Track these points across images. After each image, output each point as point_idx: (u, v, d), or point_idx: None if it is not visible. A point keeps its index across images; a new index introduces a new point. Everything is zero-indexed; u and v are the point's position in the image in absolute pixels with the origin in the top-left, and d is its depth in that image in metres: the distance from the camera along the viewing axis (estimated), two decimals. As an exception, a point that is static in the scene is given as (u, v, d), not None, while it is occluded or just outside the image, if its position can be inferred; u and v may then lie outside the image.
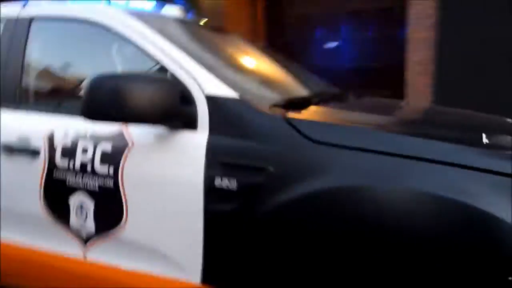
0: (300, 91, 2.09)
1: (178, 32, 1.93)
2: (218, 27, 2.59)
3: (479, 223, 1.14)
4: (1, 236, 1.86)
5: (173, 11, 2.37)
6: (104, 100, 1.42)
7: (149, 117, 1.47)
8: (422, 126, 1.68)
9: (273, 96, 1.76)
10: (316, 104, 1.77)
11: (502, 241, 1.13)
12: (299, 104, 1.68)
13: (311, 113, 1.59)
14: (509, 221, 1.12)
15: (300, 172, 1.34)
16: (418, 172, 1.24)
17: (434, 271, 1.18)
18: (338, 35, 7.27)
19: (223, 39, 2.35)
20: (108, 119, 1.47)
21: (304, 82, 2.22)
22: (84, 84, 1.42)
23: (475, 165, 1.21)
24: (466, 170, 1.21)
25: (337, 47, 7.26)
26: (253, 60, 2.30)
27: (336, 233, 1.28)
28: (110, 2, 2.20)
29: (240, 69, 2.01)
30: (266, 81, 1.99)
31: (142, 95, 1.43)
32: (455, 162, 1.22)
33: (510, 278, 1.12)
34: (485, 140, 1.39)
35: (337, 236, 1.28)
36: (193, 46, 1.83)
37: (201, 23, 2.40)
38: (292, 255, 1.34)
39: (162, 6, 2.35)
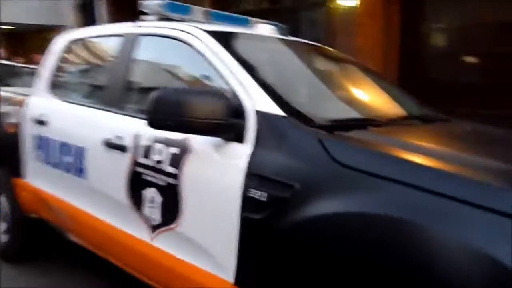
0: (372, 112, 2.07)
1: (252, 50, 2.08)
2: (307, 43, 2.65)
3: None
4: (78, 206, 2.26)
5: (265, 29, 2.53)
6: (167, 113, 1.64)
7: (204, 129, 1.65)
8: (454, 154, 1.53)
9: (329, 117, 1.78)
10: (377, 126, 1.75)
11: None
12: (356, 125, 1.69)
13: (357, 135, 1.58)
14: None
15: (320, 192, 1.38)
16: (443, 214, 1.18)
17: None
18: (474, 49, 6.64)
19: (307, 56, 2.43)
20: (170, 130, 1.69)
21: (383, 103, 2.18)
22: (149, 97, 1.65)
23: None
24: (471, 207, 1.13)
25: (474, 61, 6.64)
26: (332, 79, 2.34)
27: (336, 256, 1.30)
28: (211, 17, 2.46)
29: (305, 89, 2.08)
30: (332, 101, 2.03)
31: (200, 109, 1.61)
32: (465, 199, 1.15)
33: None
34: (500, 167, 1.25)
35: (336, 259, 1.30)
36: (258, 64, 1.95)
37: (289, 39, 2.49)
38: (301, 269, 1.40)
39: (238, 20, 2.54)
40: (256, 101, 1.68)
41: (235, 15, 2.76)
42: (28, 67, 7.32)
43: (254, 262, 1.56)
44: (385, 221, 1.25)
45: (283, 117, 1.61)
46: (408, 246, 1.20)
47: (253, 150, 1.61)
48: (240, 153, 1.64)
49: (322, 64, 2.46)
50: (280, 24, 2.97)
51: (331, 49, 2.87)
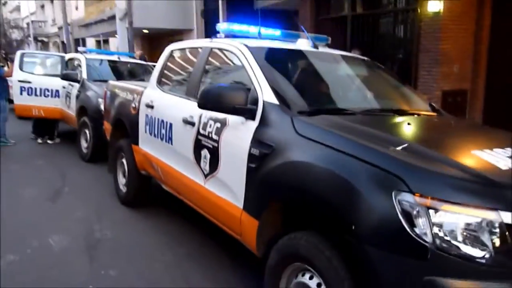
0: (348, 104, 2.88)
1: (273, 60, 2.99)
2: (321, 52, 3.43)
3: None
4: (167, 163, 3.41)
5: (302, 43, 3.43)
6: (210, 99, 2.67)
7: (233, 110, 2.65)
8: (378, 133, 2.26)
9: (312, 106, 2.65)
10: (341, 113, 2.59)
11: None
12: (325, 111, 2.55)
13: (317, 118, 2.44)
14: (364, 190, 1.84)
15: (285, 150, 2.30)
16: (332, 157, 2.03)
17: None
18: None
19: (326, 62, 3.28)
20: (212, 109, 2.72)
21: (369, 98, 2.97)
22: (202, 89, 2.70)
23: (366, 158, 1.93)
24: (359, 161, 1.94)
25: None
26: (331, 79, 3.17)
27: (287, 182, 2.23)
28: (260, 35, 3.45)
29: (304, 86, 2.95)
30: (321, 95, 2.89)
31: (229, 98, 2.61)
32: (358, 156, 1.96)
33: (353, 227, 1.84)
34: (399, 147, 2.00)
35: (287, 183, 2.24)
36: (274, 70, 2.88)
37: (308, 50, 3.35)
38: (272, 191, 2.34)
39: (290, 36, 3.46)
40: (264, 94, 2.63)
41: (285, 31, 3.68)
42: (151, 64, 9.00)
43: (250, 193, 2.52)
44: (314, 166, 2.12)
45: (276, 104, 2.53)
46: (323, 178, 2.05)
47: (257, 125, 2.57)
48: (252, 127, 2.61)
49: (328, 67, 3.29)
50: (324, 37, 3.83)
51: (345, 53, 3.65)
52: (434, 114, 3.13)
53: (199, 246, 3.74)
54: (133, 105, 4.37)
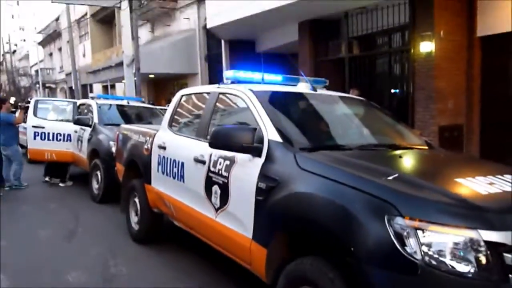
0: (345, 140, 3.17)
1: (275, 102, 3.31)
2: (319, 94, 3.75)
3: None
4: (179, 199, 3.66)
5: (302, 86, 3.76)
6: (220, 138, 2.96)
7: (241, 149, 2.93)
8: (372, 166, 2.52)
9: (312, 143, 2.93)
10: (339, 149, 2.87)
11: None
12: (324, 147, 2.83)
13: (317, 154, 2.71)
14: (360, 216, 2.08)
15: (289, 183, 2.56)
16: (331, 188, 2.29)
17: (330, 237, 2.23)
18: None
19: (324, 103, 3.59)
20: (222, 148, 3.00)
21: (364, 135, 3.26)
22: (213, 129, 3.00)
23: (361, 188, 2.18)
24: (355, 190, 2.20)
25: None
26: (328, 118, 3.47)
27: (293, 212, 2.47)
28: (263, 80, 3.78)
29: (304, 125, 3.24)
30: (320, 133, 3.17)
31: (237, 138, 2.90)
32: (355, 186, 2.22)
33: (352, 249, 2.07)
34: (390, 177, 2.26)
35: (293, 214, 2.47)
36: (277, 112, 3.18)
37: (308, 92, 3.66)
38: (278, 221, 2.58)
39: (290, 80, 3.79)
40: (269, 133, 2.91)
41: (286, 76, 4.02)
42: (164, 109, 9.39)
43: (258, 224, 2.76)
44: (315, 196, 2.38)
45: (280, 142, 2.82)
46: (324, 207, 2.30)
47: (264, 161, 2.84)
48: (258, 163, 2.87)
49: (326, 107, 3.60)
50: (323, 80, 4.17)
51: (342, 94, 3.97)
52: (426, 148, 3.40)
53: (210, 280, 3.92)
54: (146, 146, 4.66)
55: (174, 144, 4.11)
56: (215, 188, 3.26)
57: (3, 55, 44.02)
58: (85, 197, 7.45)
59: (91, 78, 21.77)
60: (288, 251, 2.66)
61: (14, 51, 49.44)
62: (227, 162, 3.16)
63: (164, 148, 4.23)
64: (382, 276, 1.97)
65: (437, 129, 7.81)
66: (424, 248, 1.92)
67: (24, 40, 54.17)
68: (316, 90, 3.73)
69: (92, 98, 8.89)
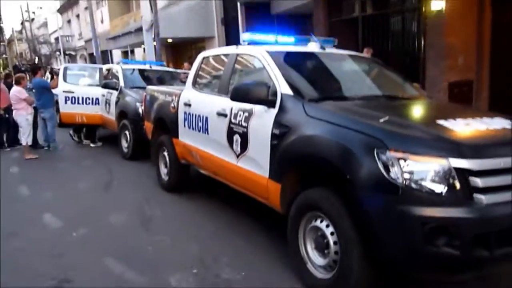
0: (349, 92, 3.61)
1: (288, 60, 3.75)
2: (329, 52, 4.17)
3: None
4: (205, 149, 4.19)
5: (312, 46, 4.18)
6: (240, 93, 3.44)
7: (258, 101, 3.41)
8: (368, 112, 2.98)
9: (319, 94, 3.39)
10: (343, 99, 3.33)
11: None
12: (329, 98, 3.29)
13: (323, 104, 3.17)
14: (355, 151, 2.57)
15: (298, 128, 3.04)
16: (333, 130, 2.77)
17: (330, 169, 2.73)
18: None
19: (332, 60, 4.02)
20: (242, 101, 3.48)
21: (367, 87, 3.70)
22: (234, 85, 3.48)
23: (357, 129, 2.66)
24: (352, 131, 2.67)
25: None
26: (337, 72, 3.90)
27: (301, 150, 2.97)
28: (276, 41, 4.21)
29: (313, 80, 3.69)
30: (326, 86, 3.62)
31: (255, 92, 3.38)
32: (351, 127, 2.70)
33: (348, 176, 2.57)
34: (383, 120, 2.72)
35: (301, 152, 2.97)
36: (289, 69, 3.62)
37: (317, 51, 4.09)
38: (288, 160, 3.09)
39: (302, 40, 4.20)
40: (281, 88, 3.38)
41: (298, 37, 4.43)
42: (182, 72, 9.86)
43: (273, 164, 3.27)
44: (320, 137, 2.87)
45: (291, 95, 3.28)
46: (327, 146, 2.79)
47: (277, 111, 3.32)
48: (273, 113, 3.35)
49: (333, 64, 4.02)
50: (331, 39, 4.56)
51: (350, 52, 4.38)
52: (422, 99, 3.82)
53: (234, 218, 4.51)
54: (172, 105, 5.18)
55: (198, 101, 4.61)
56: (236, 137, 3.77)
57: (22, 23, 44.62)
58: (115, 155, 8.09)
59: (111, 44, 22.22)
60: (298, 186, 3.18)
61: (33, 19, 49.96)
62: (246, 114, 3.65)
63: (189, 105, 4.74)
64: (372, 197, 2.47)
65: (447, 85, 8.10)
66: (405, 174, 2.40)
67: (41, 8, 54.48)
68: (324, 49, 4.14)
69: (117, 63, 9.38)
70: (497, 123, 2.88)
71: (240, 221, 4.44)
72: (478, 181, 2.36)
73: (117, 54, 26.57)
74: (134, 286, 3.21)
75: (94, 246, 3.92)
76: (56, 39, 38.89)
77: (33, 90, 8.67)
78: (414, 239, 2.35)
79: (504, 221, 2.38)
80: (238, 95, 3.44)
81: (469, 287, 3.03)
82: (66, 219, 4.63)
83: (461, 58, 8.20)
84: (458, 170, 2.37)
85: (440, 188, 2.37)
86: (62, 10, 38.75)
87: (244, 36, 4.28)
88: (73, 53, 37.31)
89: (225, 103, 3.98)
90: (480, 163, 2.39)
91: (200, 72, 4.94)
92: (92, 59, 28.02)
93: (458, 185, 2.37)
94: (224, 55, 4.55)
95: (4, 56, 54.32)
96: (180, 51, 20.62)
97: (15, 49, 51.23)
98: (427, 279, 2.89)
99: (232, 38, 15.56)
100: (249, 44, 4.24)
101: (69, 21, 38.11)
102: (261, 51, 3.82)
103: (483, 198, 2.36)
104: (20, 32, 53.55)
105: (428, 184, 2.37)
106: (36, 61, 31.42)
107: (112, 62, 22.62)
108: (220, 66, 4.60)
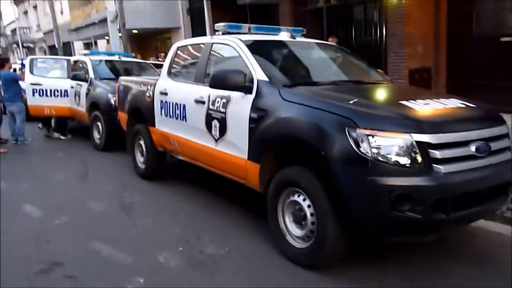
0: (319, 78, 3.89)
1: (262, 49, 3.98)
2: (299, 41, 4.44)
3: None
4: (183, 136, 4.38)
5: (283, 35, 4.42)
6: (219, 80, 3.64)
7: (235, 88, 3.62)
8: (338, 95, 3.27)
9: (292, 80, 3.64)
10: (314, 84, 3.60)
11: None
12: (302, 83, 3.55)
13: (297, 88, 3.43)
14: (328, 130, 2.83)
15: (275, 111, 3.29)
16: (307, 112, 3.03)
17: (307, 150, 2.99)
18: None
19: (302, 49, 4.28)
20: (220, 88, 3.69)
21: (335, 73, 3.99)
22: (212, 73, 3.69)
23: (329, 110, 2.93)
24: (325, 112, 2.94)
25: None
26: (305, 60, 4.17)
27: (275, 132, 3.22)
28: (250, 31, 4.42)
29: (286, 67, 3.95)
30: (299, 72, 3.89)
31: (233, 79, 3.59)
32: (324, 109, 2.96)
33: (323, 153, 2.84)
34: (352, 102, 3.00)
35: (275, 134, 3.22)
36: (263, 57, 3.85)
37: (288, 40, 4.34)
38: (263, 141, 3.34)
39: (272, 29, 4.44)
40: (257, 74, 3.61)
41: (269, 27, 4.66)
42: (149, 63, 9.91)
43: (252, 146, 3.51)
44: (296, 119, 3.12)
45: (267, 81, 3.52)
46: (302, 126, 3.05)
47: (254, 97, 3.55)
48: (250, 98, 3.58)
49: (303, 52, 4.30)
50: (300, 29, 4.81)
51: (318, 41, 4.66)
52: (386, 83, 4.15)
53: (212, 201, 4.73)
54: (148, 94, 5.31)
55: (175, 89, 4.77)
56: (215, 122, 3.98)
57: (-25, 15, 42.67)
58: (87, 147, 8.11)
59: (73, 35, 21.76)
60: (275, 165, 3.43)
61: (-14, 10, 47.81)
62: (224, 100, 3.86)
63: (166, 94, 4.89)
64: (344, 170, 2.76)
65: (407, 72, 8.55)
66: (373, 149, 2.68)
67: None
68: (294, 38, 4.39)
69: (85, 54, 9.33)
70: (452, 103, 3.22)
71: (217, 203, 4.66)
72: (437, 153, 2.68)
73: (78, 46, 25.98)
74: (124, 265, 3.38)
75: (79, 232, 4.04)
76: (13, 31, 37.47)
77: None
78: (382, 206, 2.65)
79: (459, 187, 2.72)
80: (217, 82, 3.65)
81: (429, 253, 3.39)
82: (46, 208, 4.71)
83: (420, 47, 8.67)
84: (419, 144, 2.68)
85: (404, 160, 2.67)
86: (18, 1, 37.32)
87: (219, 26, 4.47)
88: (31, 45, 36.12)
89: (202, 91, 4.18)
90: (438, 137, 2.71)
91: (175, 62, 5.09)
92: (52, 51, 27.29)
93: (419, 157, 2.68)
94: (199, 44, 4.72)
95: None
96: (145, 42, 20.43)
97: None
98: (393, 242, 3.22)
99: (198, 29, 15.67)
100: (223, 34, 4.43)
101: (25, 12, 36.80)
102: (236, 41, 4.03)
103: (441, 168, 2.68)
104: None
105: (393, 157, 2.67)
106: None
107: (74, 54, 22.15)
108: (195, 55, 4.78)
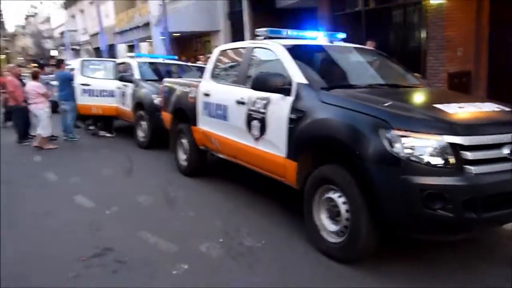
0: (356, 81, 4.04)
1: (302, 53, 4.18)
2: (338, 46, 4.61)
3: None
4: (224, 135, 4.63)
5: (321, 39, 4.60)
6: (260, 82, 3.87)
7: (275, 90, 3.84)
8: (374, 98, 3.41)
9: (330, 83, 3.82)
10: (351, 87, 3.76)
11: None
12: (339, 86, 3.73)
13: (334, 91, 3.60)
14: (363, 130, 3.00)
15: (313, 113, 3.48)
16: (344, 113, 3.21)
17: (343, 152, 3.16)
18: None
19: (340, 53, 4.45)
20: (261, 90, 3.91)
21: (372, 77, 4.14)
22: (254, 76, 3.92)
23: (364, 111, 3.09)
24: (360, 113, 3.11)
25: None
26: (345, 64, 4.33)
27: (314, 133, 3.41)
28: (290, 36, 4.63)
29: (324, 70, 4.12)
30: (336, 76, 4.06)
31: (273, 81, 3.81)
32: (360, 111, 3.13)
33: (357, 152, 3.00)
34: (387, 104, 3.14)
35: (315, 134, 3.41)
36: (302, 60, 4.05)
37: (326, 44, 4.51)
38: (303, 140, 3.52)
39: (311, 34, 4.63)
40: (296, 78, 3.81)
41: (308, 31, 4.85)
42: (191, 65, 10.28)
43: (290, 145, 3.71)
44: (332, 120, 3.30)
45: (305, 84, 3.71)
46: (339, 127, 3.23)
47: (293, 99, 3.75)
48: (289, 100, 3.78)
49: (341, 56, 4.45)
50: (339, 33, 4.97)
51: (356, 46, 4.80)
52: (422, 87, 4.26)
53: (251, 198, 4.97)
54: (191, 95, 5.61)
55: (217, 91, 5.04)
56: (255, 122, 4.20)
57: (26, 18, 45.00)
58: (131, 144, 8.53)
59: (117, 38, 22.63)
60: (311, 164, 3.61)
61: (35, 13, 50.32)
62: (264, 102, 4.07)
63: (208, 95, 5.17)
64: (377, 168, 2.92)
65: (446, 76, 8.52)
66: (406, 149, 2.83)
67: (41, 3, 54.79)
68: (333, 43, 4.56)
69: (131, 57, 9.80)
70: (488, 107, 3.32)
71: (256, 200, 4.89)
72: (468, 155, 2.80)
73: (122, 48, 26.94)
74: (169, 253, 3.65)
75: (127, 222, 4.37)
76: (61, 33, 39.21)
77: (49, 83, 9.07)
78: (414, 204, 2.79)
79: (490, 188, 2.82)
80: (258, 84, 3.87)
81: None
82: (97, 199, 5.07)
83: (460, 50, 8.61)
84: (452, 145, 2.80)
85: (436, 161, 2.81)
86: (67, 5, 39.05)
87: (260, 31, 4.69)
88: (77, 47, 37.67)
89: (243, 93, 4.41)
90: (470, 139, 2.83)
91: (217, 65, 5.36)
92: (97, 53, 28.41)
93: (451, 158, 2.80)
94: (241, 48, 4.97)
95: (6, 51, 54.72)
96: (185, 44, 20.99)
97: (18, 44, 51.65)
98: (424, 240, 3.34)
99: (236, 32, 16.01)
100: (264, 38, 4.66)
101: (73, 16, 38.45)
102: (277, 45, 4.25)
103: (472, 169, 2.80)
104: (23, 27, 53.93)
105: (426, 157, 2.81)
106: (55, 55, 31.81)
107: (117, 56, 23.03)
108: (236, 58, 5.03)
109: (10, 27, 61.59)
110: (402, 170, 2.82)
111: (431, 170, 2.80)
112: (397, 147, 2.84)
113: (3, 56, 52.82)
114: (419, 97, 3.73)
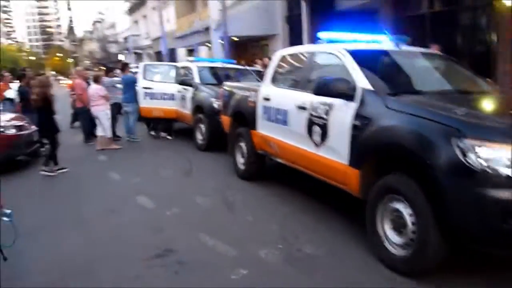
0: (423, 87, 3.87)
1: (366, 57, 4.06)
2: (403, 50, 4.44)
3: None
4: (283, 140, 4.59)
5: (386, 43, 4.46)
6: (322, 87, 3.81)
7: (338, 95, 3.76)
8: (444, 104, 3.23)
9: (396, 89, 3.68)
10: (418, 93, 3.61)
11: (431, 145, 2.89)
12: (405, 92, 3.58)
13: (402, 97, 3.47)
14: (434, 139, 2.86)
15: (378, 119, 3.37)
16: (412, 121, 3.07)
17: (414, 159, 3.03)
18: None
19: (405, 57, 4.29)
20: (323, 95, 3.85)
21: (440, 82, 3.94)
22: (316, 81, 3.86)
23: (435, 119, 2.95)
24: (430, 121, 2.97)
25: None
26: (411, 69, 4.16)
27: (382, 140, 3.29)
28: (353, 40, 4.53)
29: (389, 76, 3.98)
30: (402, 81, 3.90)
31: (337, 86, 3.74)
32: (430, 118, 2.99)
33: (428, 162, 2.86)
34: (459, 112, 2.97)
35: (382, 141, 3.30)
36: (367, 65, 3.93)
37: (391, 49, 4.36)
38: (369, 148, 3.42)
39: (375, 39, 4.49)
40: (361, 83, 3.71)
41: (372, 35, 4.72)
42: (250, 70, 10.33)
43: (353, 152, 3.61)
44: (400, 127, 3.18)
45: (370, 90, 3.61)
46: (407, 135, 3.10)
47: (358, 105, 3.65)
48: (353, 106, 3.69)
49: (407, 61, 4.28)
50: (404, 37, 4.80)
51: (422, 50, 4.60)
52: (494, 93, 4.01)
53: (306, 202, 4.91)
54: (251, 99, 5.63)
55: (278, 95, 5.02)
56: (316, 128, 4.14)
57: (93, 24, 47.55)
58: (190, 147, 8.72)
59: (178, 42, 23.31)
60: (375, 173, 3.49)
61: (102, 20, 53.00)
62: (326, 107, 4.00)
63: (269, 99, 5.16)
64: (449, 179, 2.76)
65: (518, 81, 7.98)
66: (481, 160, 2.66)
67: (108, 9, 57.55)
68: (398, 47, 4.41)
69: (191, 61, 10.04)
70: None
71: (313, 206, 4.82)
72: (551, 167, 2.58)
73: (181, 52, 27.72)
74: (228, 257, 3.67)
75: (187, 223, 4.45)
76: (125, 38, 41.01)
77: (115, 86, 9.48)
78: (491, 218, 2.62)
79: None
80: (321, 89, 3.82)
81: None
82: (158, 200, 5.21)
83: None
84: (531, 157, 2.60)
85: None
86: (130, 12, 40.85)
87: (322, 35, 4.63)
88: (139, 51, 39.22)
89: (304, 97, 4.36)
90: (553, 150, 2.61)
91: (278, 69, 5.35)
92: (158, 57, 29.43)
93: (531, 170, 2.60)
94: (302, 52, 4.93)
95: (74, 54, 58.08)
96: (243, 48, 21.21)
97: (85, 48, 54.65)
98: (500, 254, 3.13)
99: (295, 35, 15.94)
100: (326, 42, 4.59)
101: (136, 22, 40.11)
102: (340, 49, 4.16)
103: (555, 183, 2.58)
104: (91, 32, 57.02)
105: (502, 169, 2.63)
106: (123, 59, 33.46)
107: (177, 60, 23.71)
108: (298, 63, 4.99)
109: (79, 33, 65.36)
110: (476, 182, 2.65)
111: (508, 182, 2.61)
112: (471, 157, 2.68)
113: (71, 60, 56.14)
114: (492, 104, 3.51)
